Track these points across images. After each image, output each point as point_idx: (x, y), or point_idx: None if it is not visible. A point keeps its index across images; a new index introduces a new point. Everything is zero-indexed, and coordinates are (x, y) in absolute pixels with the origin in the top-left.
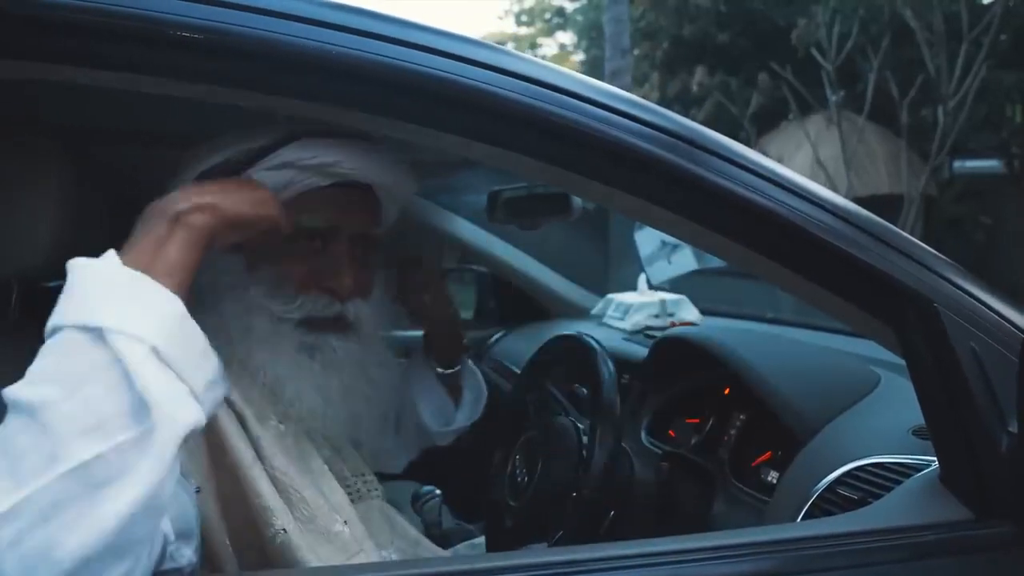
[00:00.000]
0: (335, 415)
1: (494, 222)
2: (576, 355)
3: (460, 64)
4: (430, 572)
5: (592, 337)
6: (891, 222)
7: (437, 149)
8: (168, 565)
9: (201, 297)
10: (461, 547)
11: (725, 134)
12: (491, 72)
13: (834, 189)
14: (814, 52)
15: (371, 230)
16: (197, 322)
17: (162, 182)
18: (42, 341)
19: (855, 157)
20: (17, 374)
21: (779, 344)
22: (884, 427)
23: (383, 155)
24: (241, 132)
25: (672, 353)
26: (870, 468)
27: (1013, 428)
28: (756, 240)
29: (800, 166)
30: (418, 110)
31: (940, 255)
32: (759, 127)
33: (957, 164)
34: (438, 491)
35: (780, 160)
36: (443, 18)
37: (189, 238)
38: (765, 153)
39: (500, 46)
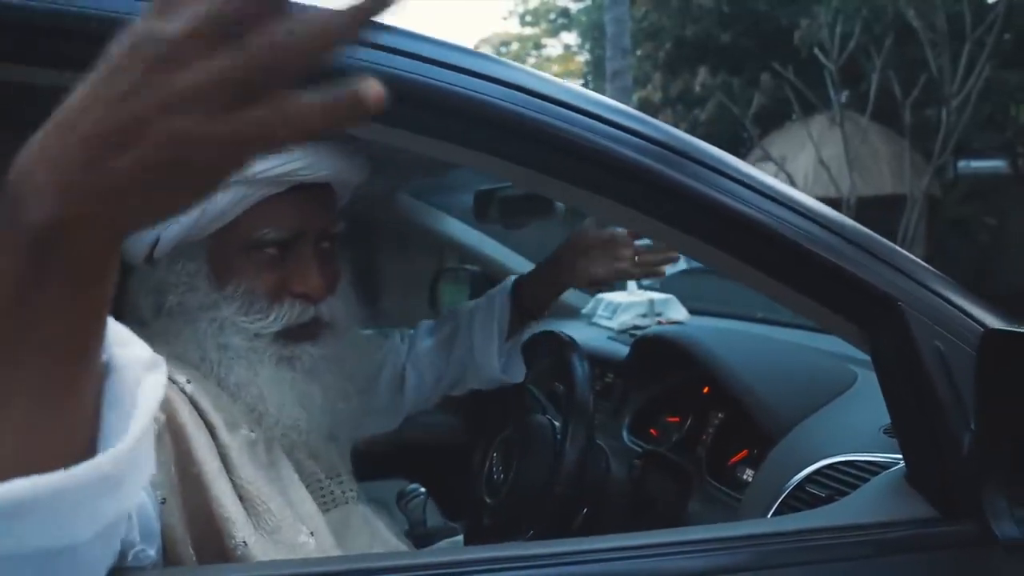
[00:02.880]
0: (316, 422)
1: (480, 221)
2: (553, 353)
3: (450, 72)
4: (376, 567)
5: (567, 335)
6: (894, 222)
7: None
8: (133, 563)
9: (172, 319)
10: (442, 544)
11: (727, 135)
12: (481, 80)
13: (837, 189)
14: (817, 52)
15: (333, 227)
16: (168, 342)
17: None
18: None
19: (858, 157)
20: None
21: (757, 343)
22: (857, 425)
23: (336, 150)
24: None
25: (652, 352)
26: (840, 466)
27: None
28: (721, 239)
29: (803, 166)
30: (405, 116)
31: (906, 253)
32: (762, 127)
33: (962, 164)
34: (423, 489)
35: (783, 160)
36: (447, 18)
37: (70, 284)
38: (768, 153)
39: (490, 54)
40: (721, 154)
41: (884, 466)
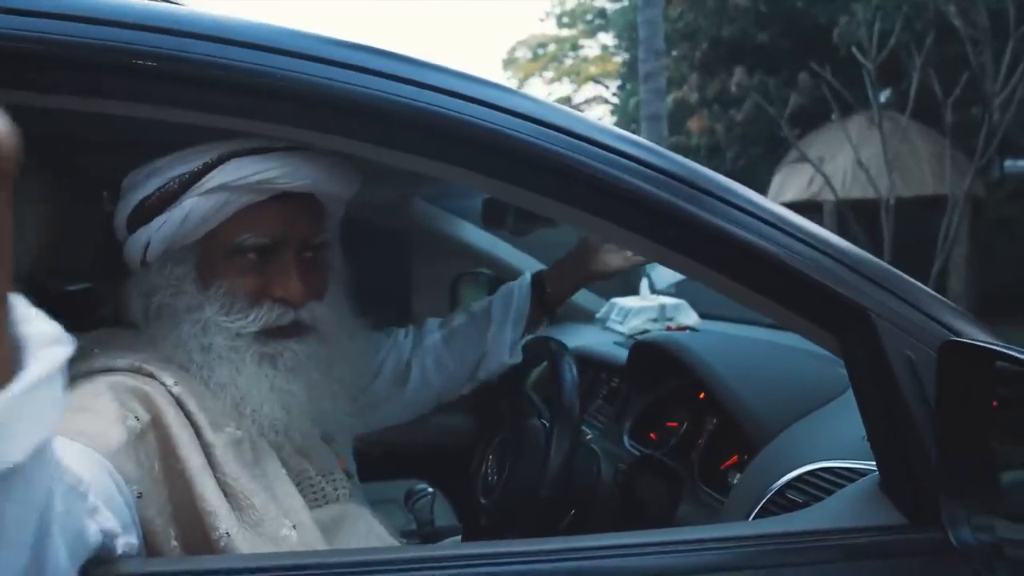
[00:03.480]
0: (298, 422)
1: (488, 227)
2: (547, 359)
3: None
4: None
5: (558, 342)
6: (935, 223)
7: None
8: (123, 552)
9: (160, 321)
10: (444, 543)
11: (764, 135)
12: (495, 111)
13: (876, 190)
14: (855, 51)
15: (317, 236)
16: (157, 346)
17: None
18: None
19: (898, 157)
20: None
21: (752, 348)
22: (842, 432)
23: (318, 161)
24: (173, 158)
25: (647, 358)
26: (820, 473)
27: None
28: (701, 253)
29: (841, 167)
30: (423, 144)
31: (879, 261)
32: (800, 128)
33: (1009, 163)
34: (430, 489)
35: (820, 162)
36: (484, 21)
37: None
38: (804, 154)
39: (504, 84)
40: (705, 172)
41: (863, 473)
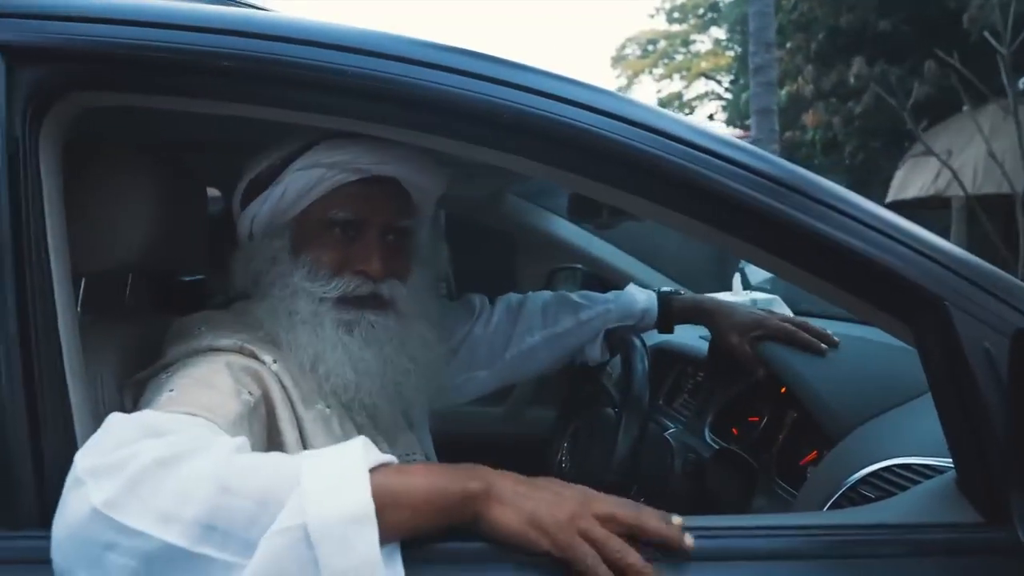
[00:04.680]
0: (370, 386)
1: (573, 220)
2: (621, 350)
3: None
4: None
5: (633, 336)
6: None
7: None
8: None
9: (257, 288)
10: None
11: (885, 128)
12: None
13: (1011, 186)
14: (988, 36)
15: (400, 221)
16: (257, 316)
17: (232, 183)
18: (150, 326)
19: None
20: (128, 355)
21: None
22: (926, 429)
23: (407, 152)
24: (279, 139)
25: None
26: (896, 469)
27: None
28: (777, 246)
29: (972, 161)
30: (526, 146)
31: (956, 248)
32: (928, 120)
33: None
34: None
35: (948, 155)
36: (593, 18)
37: (462, 516)
38: (929, 148)
39: (610, 90)
40: (785, 165)
41: (941, 471)
